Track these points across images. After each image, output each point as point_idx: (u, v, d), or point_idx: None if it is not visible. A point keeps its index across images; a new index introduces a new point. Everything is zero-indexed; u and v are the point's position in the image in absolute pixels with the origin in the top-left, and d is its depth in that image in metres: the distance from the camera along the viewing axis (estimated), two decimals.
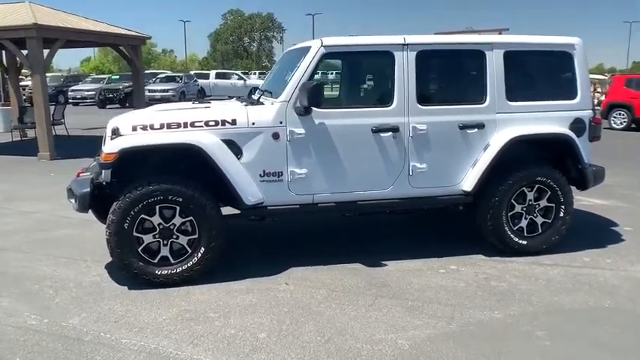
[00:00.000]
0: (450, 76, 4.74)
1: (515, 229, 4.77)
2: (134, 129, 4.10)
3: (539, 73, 4.85)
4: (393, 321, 3.59)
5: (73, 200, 4.28)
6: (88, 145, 12.39)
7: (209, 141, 4.08)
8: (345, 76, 4.73)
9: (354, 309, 3.77)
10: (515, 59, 4.67)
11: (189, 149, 4.05)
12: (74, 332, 3.44)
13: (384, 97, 4.48)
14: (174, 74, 27.85)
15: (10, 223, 5.98)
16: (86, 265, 4.64)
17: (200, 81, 28.81)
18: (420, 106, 4.47)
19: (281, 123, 4.26)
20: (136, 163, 4.18)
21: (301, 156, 4.32)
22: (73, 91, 27.02)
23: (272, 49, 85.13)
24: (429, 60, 4.51)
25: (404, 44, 4.45)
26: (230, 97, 29.24)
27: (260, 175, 4.27)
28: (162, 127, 4.11)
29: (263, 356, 3.16)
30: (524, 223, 4.80)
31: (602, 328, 3.53)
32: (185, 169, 4.26)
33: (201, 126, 4.15)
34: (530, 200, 4.78)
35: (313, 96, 4.10)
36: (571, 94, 4.85)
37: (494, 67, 4.62)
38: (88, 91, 26.88)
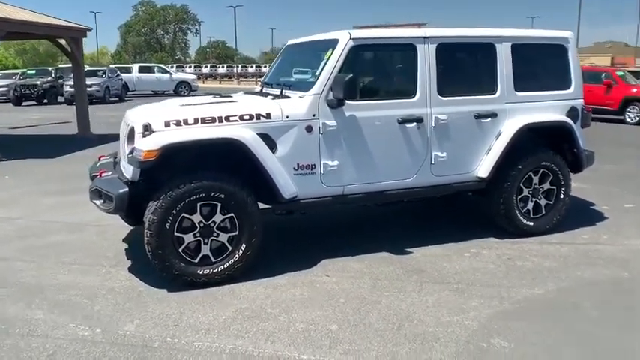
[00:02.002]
0: (465, 68, 4.94)
1: (523, 211, 5.08)
2: (167, 124, 3.93)
3: (540, 65, 5.17)
4: (450, 304, 3.73)
5: (99, 202, 4.03)
6: (32, 145, 11.59)
7: (249, 135, 4.00)
8: (371, 69, 4.79)
9: (406, 295, 3.88)
10: (520, 52, 4.96)
11: (230, 144, 3.95)
12: (138, 340, 3.27)
13: (407, 89, 4.59)
14: (96, 68, 26.24)
15: None
16: (105, 270, 4.38)
17: (122, 75, 27.47)
18: (440, 97, 4.64)
19: (314, 116, 4.25)
20: (165, 161, 4.00)
21: (333, 148, 4.34)
22: None
23: (187, 42, 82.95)
24: (447, 52, 4.67)
25: (425, 37, 4.59)
26: (154, 92, 28.28)
27: (294, 169, 4.25)
28: (196, 122, 3.97)
29: (346, 346, 3.18)
30: (530, 205, 5.13)
31: (630, 296, 3.88)
32: (216, 166, 4.14)
33: (236, 120, 4.06)
34: (535, 184, 5.11)
35: (349, 88, 4.12)
36: (566, 84, 5.23)
37: (504, 59, 4.88)
38: None
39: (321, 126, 4.26)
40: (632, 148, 10.59)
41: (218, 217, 4.00)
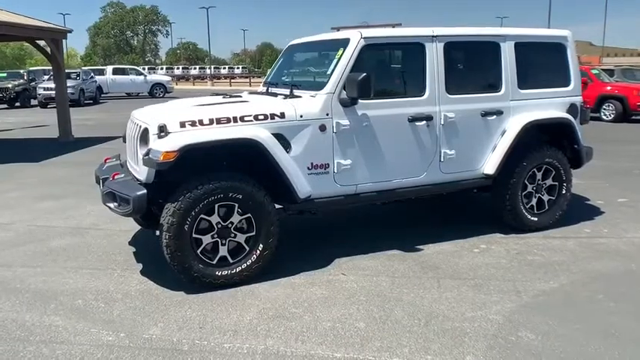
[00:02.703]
0: (471, 66, 5.00)
1: (527, 207, 5.18)
2: (182, 125, 3.87)
3: (541, 63, 5.27)
4: (470, 299, 3.78)
5: (113, 204, 3.95)
6: (13, 149, 11.20)
7: (265, 135, 3.98)
8: (381, 68, 4.80)
9: (426, 292, 3.90)
10: (522, 50, 5.05)
11: (247, 145, 3.92)
12: (166, 343, 3.21)
13: (417, 88, 4.62)
14: (69, 71, 25.61)
15: None
16: (117, 274, 4.29)
17: (96, 77, 26.94)
18: (448, 96, 4.69)
19: (327, 115, 4.25)
20: (181, 162, 3.95)
21: (346, 147, 4.35)
22: None
23: (158, 44, 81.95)
24: (454, 51, 4.73)
25: (433, 36, 4.63)
26: (128, 94, 27.76)
27: (308, 168, 4.24)
28: (211, 122, 3.93)
29: (377, 344, 3.19)
30: (534, 201, 5.23)
31: None
32: (230, 166, 4.10)
33: (251, 120, 4.03)
34: (538, 180, 5.21)
35: (363, 87, 4.13)
36: (566, 81, 5.35)
37: (508, 57, 4.96)
38: None
39: (334, 125, 4.26)
40: (614, 145, 10.86)
41: (235, 218, 3.96)
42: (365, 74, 4.13)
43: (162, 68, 58.71)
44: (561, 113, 5.20)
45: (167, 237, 3.76)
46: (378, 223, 5.62)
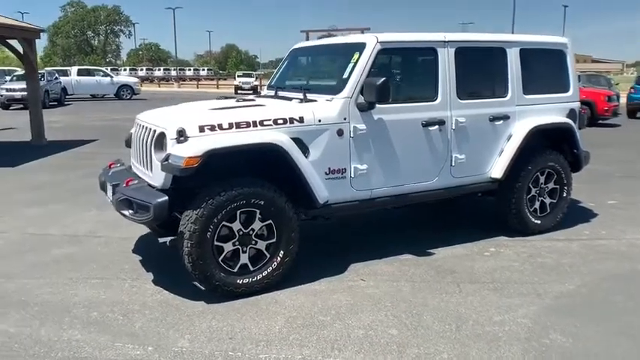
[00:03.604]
0: (480, 71, 5.04)
1: (531, 210, 5.26)
2: (202, 129, 3.77)
3: (543, 69, 5.37)
4: (494, 303, 3.80)
5: (128, 211, 3.80)
6: None
7: (285, 140, 3.91)
8: (396, 72, 4.80)
9: (449, 296, 3.91)
10: (527, 56, 5.14)
11: (269, 149, 3.84)
12: (198, 356, 3.10)
13: (430, 92, 4.64)
14: None
15: None
16: (128, 284, 4.14)
17: (60, 78, 26.10)
18: (459, 100, 4.72)
19: (345, 119, 4.21)
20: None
21: (362, 151, 4.32)
22: None
23: (120, 44, 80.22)
24: (464, 56, 4.76)
25: (445, 41, 4.66)
26: (93, 96, 26.97)
27: (325, 173, 4.19)
28: (231, 126, 3.84)
29: (415, 350, 3.17)
30: (537, 204, 5.32)
31: None
32: (248, 172, 4.01)
33: (270, 124, 3.96)
34: (541, 183, 5.31)
35: (382, 92, 4.11)
36: (566, 87, 5.48)
37: (514, 63, 5.04)
38: None
39: (351, 129, 4.23)
40: (589, 149, 11.19)
41: (257, 225, 3.88)
42: (384, 78, 4.11)
43: (125, 69, 57.36)
44: (563, 118, 5.33)
45: (189, 245, 3.64)
46: (386, 228, 5.61)
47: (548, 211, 5.39)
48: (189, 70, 72.66)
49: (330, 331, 3.39)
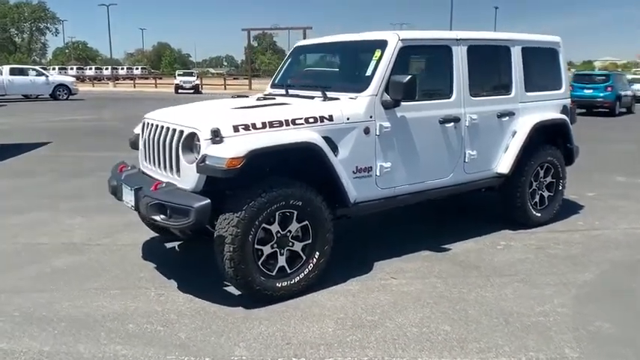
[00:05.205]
0: (488, 69, 5.15)
1: (532, 204, 5.45)
2: (236, 129, 3.63)
3: (540, 67, 5.57)
4: (528, 294, 3.90)
5: (161, 216, 3.60)
6: None
7: (319, 138, 3.84)
8: (415, 70, 4.81)
9: (484, 290, 3.98)
10: (527, 54, 5.32)
11: (304, 148, 3.76)
12: None
13: (445, 90, 4.70)
14: None
15: None
16: (154, 292, 3.92)
17: None
18: (472, 98, 4.82)
19: (371, 117, 4.19)
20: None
21: (387, 149, 4.32)
22: None
23: (47, 43, 76.23)
24: (474, 54, 4.85)
25: (457, 39, 4.74)
26: (26, 97, 25.43)
27: (353, 172, 4.15)
28: (264, 125, 3.72)
29: (476, 345, 3.20)
30: (537, 198, 5.52)
31: None
32: (280, 172, 3.90)
33: (302, 123, 3.87)
34: (540, 177, 5.51)
35: (409, 89, 4.12)
36: (559, 84, 5.72)
37: (517, 61, 5.20)
38: None
39: (377, 127, 4.21)
40: None
41: (294, 226, 3.78)
42: (411, 76, 4.12)
43: (54, 69, 54.49)
44: (560, 114, 5.55)
45: (231, 249, 3.50)
46: (393, 225, 5.63)
47: (547, 204, 5.60)
48: (122, 69, 70.07)
49: (385, 331, 3.36)
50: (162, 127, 4.03)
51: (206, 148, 3.56)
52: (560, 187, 5.68)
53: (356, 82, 4.41)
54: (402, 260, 4.56)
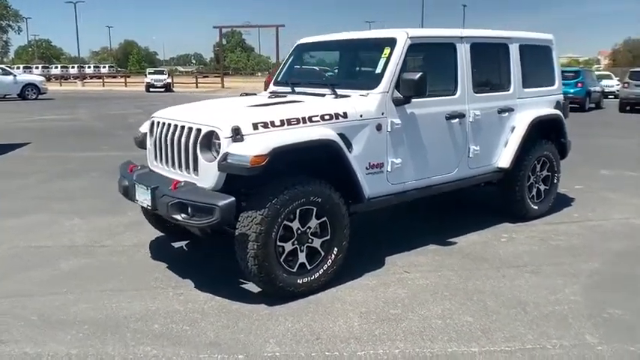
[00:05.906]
0: (489, 66, 5.27)
1: (530, 197, 5.60)
2: (255, 127, 3.64)
3: (535, 64, 5.72)
4: (540, 284, 4.02)
5: (181, 215, 3.57)
6: None
7: (335, 135, 3.88)
8: (423, 67, 4.87)
9: (497, 281, 4.08)
10: (523, 52, 5.46)
11: (322, 145, 3.79)
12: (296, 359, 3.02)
13: (450, 86, 4.80)
14: None
15: None
16: (172, 292, 3.90)
17: None
18: (475, 94, 4.92)
19: (382, 114, 4.25)
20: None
21: (398, 146, 4.38)
22: None
23: (9, 41, 74.01)
24: (476, 52, 4.96)
25: (461, 37, 4.83)
26: (8, 97, 24.65)
27: (366, 168, 4.20)
28: (282, 123, 3.74)
29: (500, 334, 3.28)
30: (534, 191, 5.67)
31: None
32: (297, 169, 3.92)
33: (318, 121, 3.90)
34: (537, 171, 5.67)
35: (419, 86, 4.18)
36: (552, 81, 5.88)
37: (515, 58, 5.33)
38: None
39: (389, 124, 4.27)
40: None
41: (313, 222, 3.81)
42: (421, 73, 4.19)
43: (18, 67, 52.95)
44: (555, 110, 5.71)
45: (255, 247, 3.50)
46: (396, 220, 5.71)
47: (543, 197, 5.76)
48: (89, 67, 68.58)
49: (410, 324, 3.42)
50: (175, 125, 4.00)
51: (227, 146, 3.55)
52: (555, 181, 5.85)
53: (366, 79, 4.46)
54: (411, 254, 4.63)
